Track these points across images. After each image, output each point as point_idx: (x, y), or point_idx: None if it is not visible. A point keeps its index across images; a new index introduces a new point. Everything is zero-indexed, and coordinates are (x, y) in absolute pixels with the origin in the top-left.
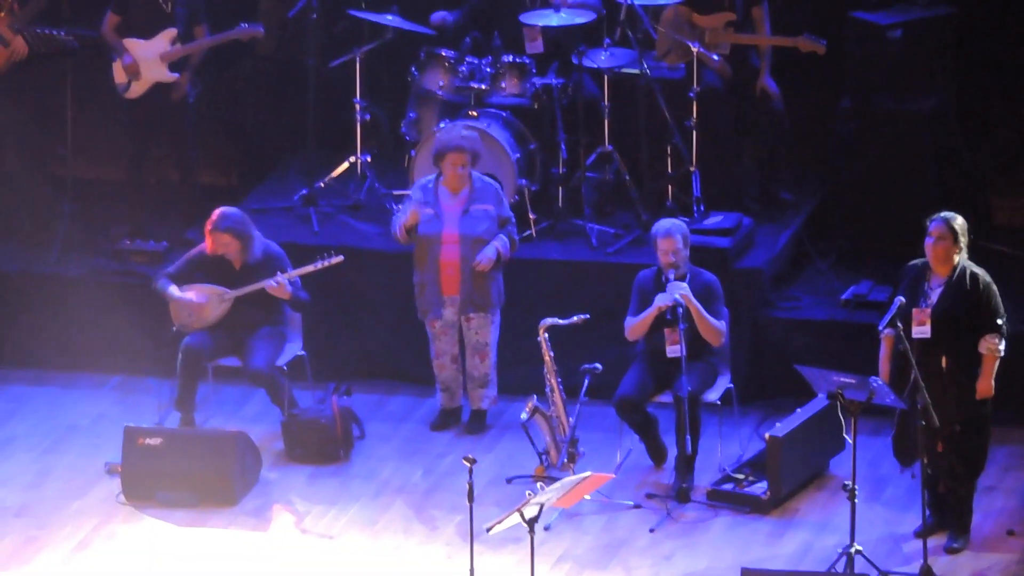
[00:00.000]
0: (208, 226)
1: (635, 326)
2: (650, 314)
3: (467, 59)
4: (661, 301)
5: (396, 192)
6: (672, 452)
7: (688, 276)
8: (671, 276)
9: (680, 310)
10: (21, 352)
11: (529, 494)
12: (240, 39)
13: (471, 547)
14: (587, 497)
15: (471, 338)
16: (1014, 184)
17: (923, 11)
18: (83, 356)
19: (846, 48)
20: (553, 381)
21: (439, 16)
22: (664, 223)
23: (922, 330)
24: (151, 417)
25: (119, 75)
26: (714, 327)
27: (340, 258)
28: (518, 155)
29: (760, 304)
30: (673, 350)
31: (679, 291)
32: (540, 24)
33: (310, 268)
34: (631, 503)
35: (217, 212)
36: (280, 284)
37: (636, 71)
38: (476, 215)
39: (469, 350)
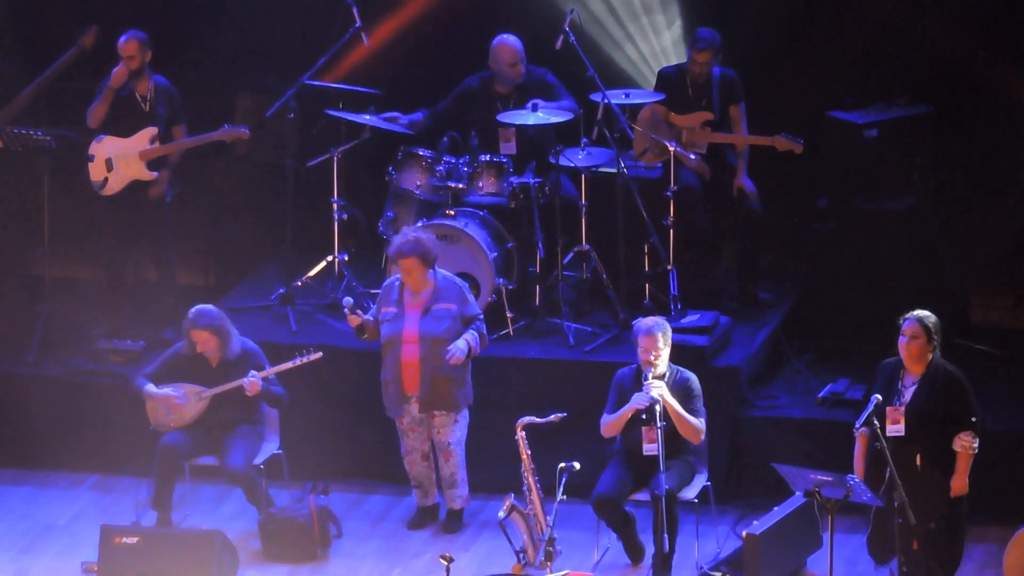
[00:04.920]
0: (186, 324)
1: (611, 423)
2: (626, 413)
3: (444, 158)
4: (637, 401)
5: (374, 291)
6: (649, 550)
7: (667, 375)
8: (648, 374)
9: (658, 408)
10: None
11: None
12: (224, 140)
13: None
14: None
15: (435, 437)
16: (990, 283)
17: (899, 111)
18: (60, 455)
19: (823, 147)
20: (530, 479)
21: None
22: (646, 321)
23: (896, 428)
24: (128, 516)
25: (95, 173)
26: (692, 426)
27: (318, 355)
28: (495, 254)
29: (737, 402)
30: (650, 448)
31: (657, 390)
32: (517, 123)
33: (288, 365)
34: None
35: (194, 309)
36: (252, 383)
37: (613, 170)
38: (437, 314)
39: (436, 449)
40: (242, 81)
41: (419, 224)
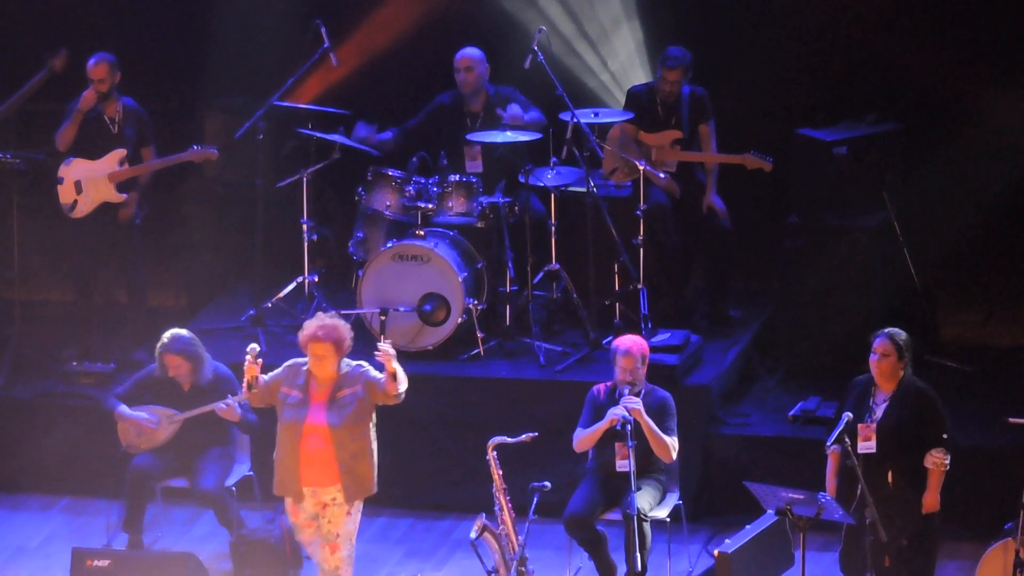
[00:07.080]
0: (159, 348)
1: (584, 438)
2: (601, 427)
3: (414, 179)
4: (613, 414)
5: (344, 312)
6: (622, 569)
7: (642, 392)
8: (625, 391)
9: (630, 427)
10: None
11: None
12: (193, 160)
13: None
14: None
15: (323, 526)
16: (960, 299)
17: (869, 128)
18: (31, 478)
19: (793, 165)
20: (502, 499)
21: (365, 131)
22: (625, 340)
23: (867, 445)
24: (100, 539)
25: (64, 196)
26: (665, 444)
27: None
28: (465, 274)
29: (708, 421)
30: (622, 464)
31: (631, 405)
32: (486, 142)
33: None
34: None
35: (168, 334)
36: (230, 407)
37: (583, 189)
38: (343, 402)
39: (320, 540)
40: (211, 102)
41: (389, 244)
